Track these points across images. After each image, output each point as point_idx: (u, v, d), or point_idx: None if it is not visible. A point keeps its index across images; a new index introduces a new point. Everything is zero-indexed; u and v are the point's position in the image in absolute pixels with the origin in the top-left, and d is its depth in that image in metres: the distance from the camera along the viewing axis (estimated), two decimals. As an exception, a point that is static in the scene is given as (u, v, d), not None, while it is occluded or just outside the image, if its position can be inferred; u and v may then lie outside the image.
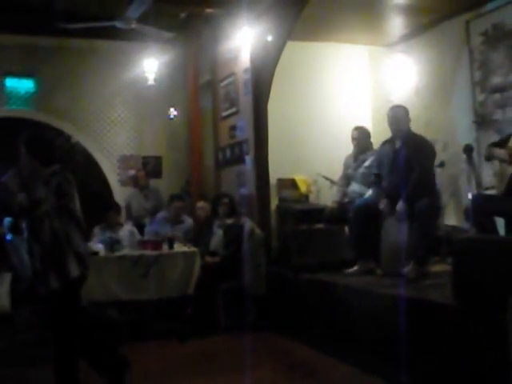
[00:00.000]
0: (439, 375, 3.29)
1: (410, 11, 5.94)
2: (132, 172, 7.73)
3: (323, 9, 5.71)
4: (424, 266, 4.35)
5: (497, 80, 5.52)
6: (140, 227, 6.13)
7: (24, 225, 3.31)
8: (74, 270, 3.19)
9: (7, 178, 3.27)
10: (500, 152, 3.93)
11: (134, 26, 6.40)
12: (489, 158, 4.12)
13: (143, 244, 5.45)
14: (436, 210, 4.54)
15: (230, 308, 5.35)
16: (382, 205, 4.59)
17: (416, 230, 4.32)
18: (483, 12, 5.67)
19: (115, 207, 6.48)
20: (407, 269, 4.27)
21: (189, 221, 6.26)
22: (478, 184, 4.68)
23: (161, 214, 6.30)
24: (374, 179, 4.81)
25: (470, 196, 4.34)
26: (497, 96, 5.51)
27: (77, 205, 3.31)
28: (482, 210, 3.83)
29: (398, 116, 4.65)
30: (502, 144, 3.98)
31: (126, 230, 5.68)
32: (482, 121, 5.64)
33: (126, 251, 5.29)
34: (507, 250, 3.00)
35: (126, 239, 5.50)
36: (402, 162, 4.52)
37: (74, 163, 8.56)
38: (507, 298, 2.49)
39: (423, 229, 4.29)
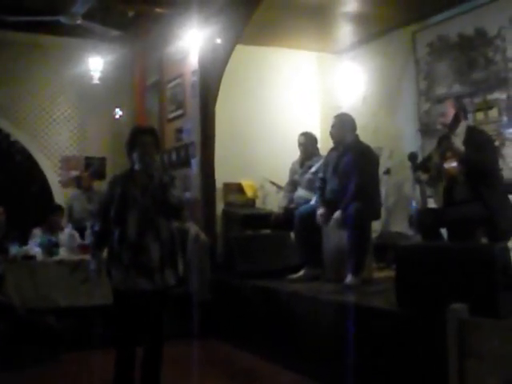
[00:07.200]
0: (384, 381, 3.30)
1: (359, 20, 6.00)
2: (75, 173, 7.49)
3: (273, 14, 5.70)
4: (359, 274, 4.31)
5: (441, 90, 5.65)
6: (81, 230, 5.92)
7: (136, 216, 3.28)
8: (181, 270, 3.46)
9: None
10: (424, 177, 4.06)
11: (79, 21, 6.19)
12: (418, 180, 4.22)
13: (83, 248, 5.26)
14: (367, 216, 4.44)
15: (173, 315, 5.22)
16: (319, 215, 4.58)
17: (347, 237, 4.34)
18: (429, 24, 5.80)
19: (58, 209, 6.25)
20: (347, 277, 4.28)
21: None
22: (422, 191, 4.75)
23: None
24: (319, 184, 4.81)
25: (414, 203, 4.40)
26: (440, 106, 5.63)
27: None
28: (427, 224, 3.89)
29: (341, 123, 4.68)
30: (425, 164, 4.08)
31: (66, 234, 5.49)
32: (426, 129, 5.76)
33: (65, 255, 5.11)
34: (448, 257, 3.07)
35: (66, 243, 5.32)
36: (344, 168, 4.54)
37: (13, 163, 8.27)
38: (447, 303, 2.53)
39: (352, 233, 4.30)
